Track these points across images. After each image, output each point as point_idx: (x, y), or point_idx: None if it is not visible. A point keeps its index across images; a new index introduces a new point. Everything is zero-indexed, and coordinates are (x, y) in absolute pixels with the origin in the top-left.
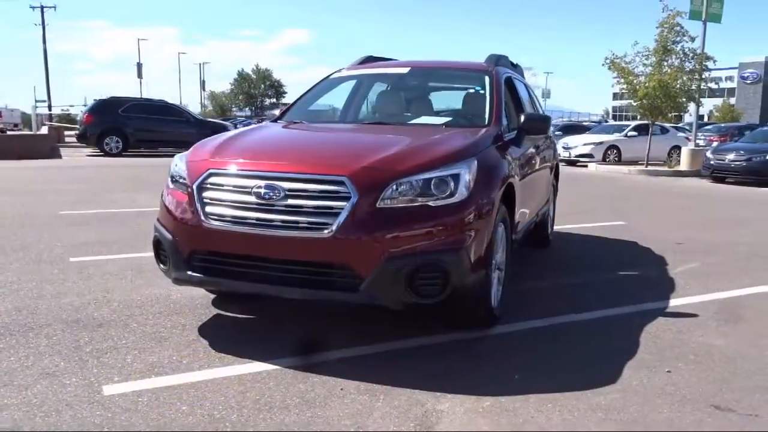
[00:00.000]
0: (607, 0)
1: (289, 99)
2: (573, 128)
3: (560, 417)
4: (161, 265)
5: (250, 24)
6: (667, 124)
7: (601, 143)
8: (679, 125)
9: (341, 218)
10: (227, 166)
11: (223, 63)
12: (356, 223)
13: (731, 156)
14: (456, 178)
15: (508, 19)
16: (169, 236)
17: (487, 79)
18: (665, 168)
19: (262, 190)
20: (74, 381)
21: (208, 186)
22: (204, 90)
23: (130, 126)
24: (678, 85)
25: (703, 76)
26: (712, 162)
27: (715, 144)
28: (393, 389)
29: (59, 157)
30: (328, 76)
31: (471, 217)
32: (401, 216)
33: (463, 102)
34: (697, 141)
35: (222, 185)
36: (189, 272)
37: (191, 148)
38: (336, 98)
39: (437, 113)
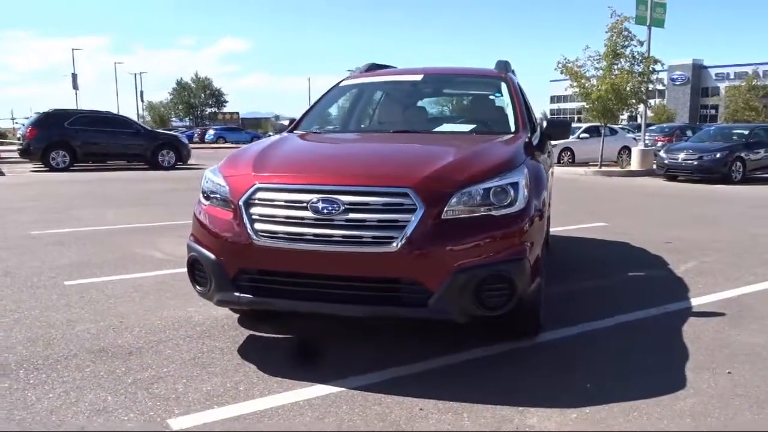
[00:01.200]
0: (541, 7)
1: (230, 108)
2: None
3: (651, 425)
4: (198, 287)
5: (185, 32)
6: (615, 126)
7: (555, 145)
8: (623, 126)
9: (408, 231)
10: (277, 180)
11: (159, 72)
12: (423, 235)
13: (683, 155)
14: (515, 186)
15: (446, 25)
16: (211, 256)
17: (504, 85)
18: (618, 168)
19: (320, 205)
20: (132, 417)
21: (257, 202)
22: (142, 101)
23: (78, 139)
24: (628, 88)
25: (651, 78)
26: (665, 161)
27: (660, 144)
28: (473, 406)
29: (1, 174)
30: (338, 84)
31: (528, 225)
32: (467, 227)
33: (482, 109)
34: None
35: (273, 200)
36: (237, 293)
37: (225, 162)
38: (348, 106)
39: (458, 120)
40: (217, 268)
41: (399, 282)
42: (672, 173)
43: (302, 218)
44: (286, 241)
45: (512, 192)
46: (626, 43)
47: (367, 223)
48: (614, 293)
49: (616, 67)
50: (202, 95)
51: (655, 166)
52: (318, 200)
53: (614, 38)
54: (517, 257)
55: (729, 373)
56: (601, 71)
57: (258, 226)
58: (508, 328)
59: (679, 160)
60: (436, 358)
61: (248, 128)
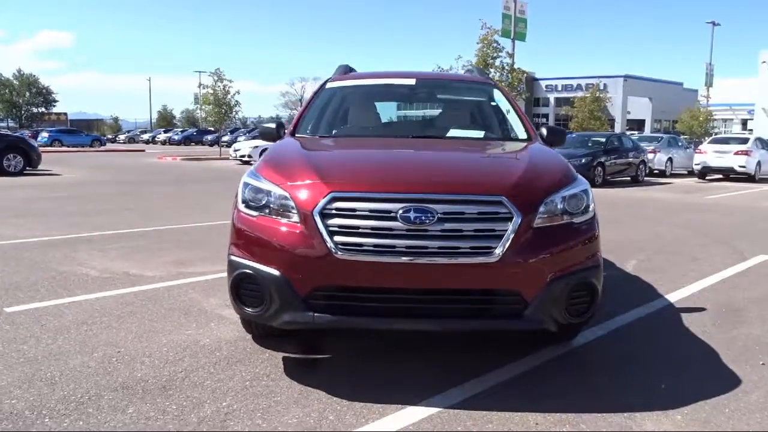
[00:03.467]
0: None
1: (60, 108)
2: None
3: (753, 420)
4: (248, 309)
5: None
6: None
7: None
8: None
9: (506, 240)
10: (358, 188)
11: None
12: (521, 244)
13: None
14: (587, 193)
15: (297, 28)
16: (274, 272)
17: (496, 92)
18: None
19: (412, 215)
20: None
21: (334, 212)
22: None
23: None
24: None
25: (518, 90)
26: None
27: None
28: (581, 416)
29: None
30: (323, 86)
31: (599, 231)
32: (555, 235)
33: (485, 114)
34: None
35: (354, 210)
36: (311, 313)
37: (270, 169)
38: (347, 108)
39: (468, 127)
40: (283, 286)
41: (495, 293)
42: None
43: (391, 229)
44: (373, 255)
45: (585, 199)
46: (496, 54)
47: (463, 233)
48: None
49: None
50: (27, 93)
51: None
52: (409, 209)
53: (485, 49)
54: (596, 264)
55: (763, 364)
56: None
57: (338, 238)
58: (552, 333)
59: None
60: (497, 370)
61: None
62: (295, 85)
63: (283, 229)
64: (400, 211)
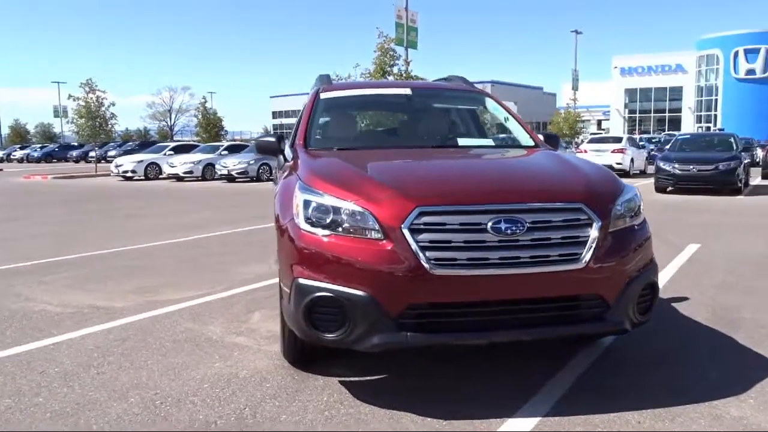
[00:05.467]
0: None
1: None
2: (237, 147)
3: None
4: (326, 335)
5: None
6: None
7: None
8: None
9: (589, 246)
10: (446, 201)
11: None
12: (602, 249)
13: None
14: (638, 196)
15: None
16: (360, 293)
17: (489, 100)
18: None
19: (503, 225)
20: None
21: (422, 227)
22: None
23: None
24: None
25: None
26: None
27: None
28: (684, 408)
29: None
30: (317, 97)
31: (650, 231)
32: (625, 237)
33: (480, 123)
34: None
35: (444, 224)
36: (405, 333)
37: (331, 185)
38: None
39: (477, 135)
40: (371, 307)
41: (580, 299)
42: None
43: (484, 241)
44: (467, 268)
45: (638, 201)
46: (392, 62)
47: (552, 241)
48: None
49: None
50: None
51: None
52: (500, 220)
53: (382, 57)
54: (654, 263)
55: None
56: None
57: (430, 254)
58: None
59: None
60: (557, 374)
61: None
62: (163, 94)
63: (368, 247)
64: (490, 223)
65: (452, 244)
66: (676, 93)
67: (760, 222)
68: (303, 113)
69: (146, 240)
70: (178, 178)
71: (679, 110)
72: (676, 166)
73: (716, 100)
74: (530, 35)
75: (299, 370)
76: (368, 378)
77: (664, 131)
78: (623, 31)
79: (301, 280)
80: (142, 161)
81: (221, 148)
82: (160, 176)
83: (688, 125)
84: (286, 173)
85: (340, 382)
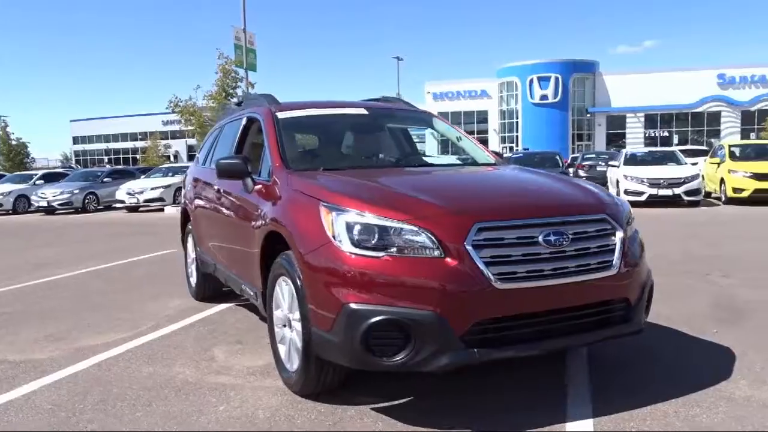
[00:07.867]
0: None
1: None
2: (54, 176)
3: None
4: (386, 360)
5: None
6: None
7: (169, 186)
8: None
9: (618, 253)
10: (502, 217)
11: None
12: (626, 255)
13: None
14: (627, 205)
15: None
16: (425, 313)
17: (436, 120)
18: None
19: (552, 237)
20: None
21: (482, 242)
22: None
23: None
24: None
25: None
26: None
27: None
28: (694, 396)
29: None
30: (275, 118)
31: None
32: (635, 244)
33: (444, 142)
34: None
35: (502, 239)
36: (473, 350)
37: (371, 205)
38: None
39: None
40: (438, 326)
41: (612, 302)
42: None
43: (538, 254)
44: (525, 281)
45: (630, 209)
46: (235, 84)
47: (590, 250)
48: None
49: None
50: None
51: None
52: (549, 233)
53: (224, 79)
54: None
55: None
56: (216, 110)
57: (493, 269)
58: None
59: None
60: (574, 378)
61: None
62: None
63: (430, 265)
64: (541, 236)
65: (512, 258)
66: (483, 116)
67: None
68: (265, 135)
69: (5, 282)
70: None
71: (487, 131)
72: None
73: (517, 122)
74: (359, 60)
75: (319, 402)
76: (399, 401)
77: None
78: (437, 60)
79: (354, 305)
80: (169, 185)
81: (35, 177)
82: None
83: (494, 145)
84: (265, 198)
85: (373, 408)
